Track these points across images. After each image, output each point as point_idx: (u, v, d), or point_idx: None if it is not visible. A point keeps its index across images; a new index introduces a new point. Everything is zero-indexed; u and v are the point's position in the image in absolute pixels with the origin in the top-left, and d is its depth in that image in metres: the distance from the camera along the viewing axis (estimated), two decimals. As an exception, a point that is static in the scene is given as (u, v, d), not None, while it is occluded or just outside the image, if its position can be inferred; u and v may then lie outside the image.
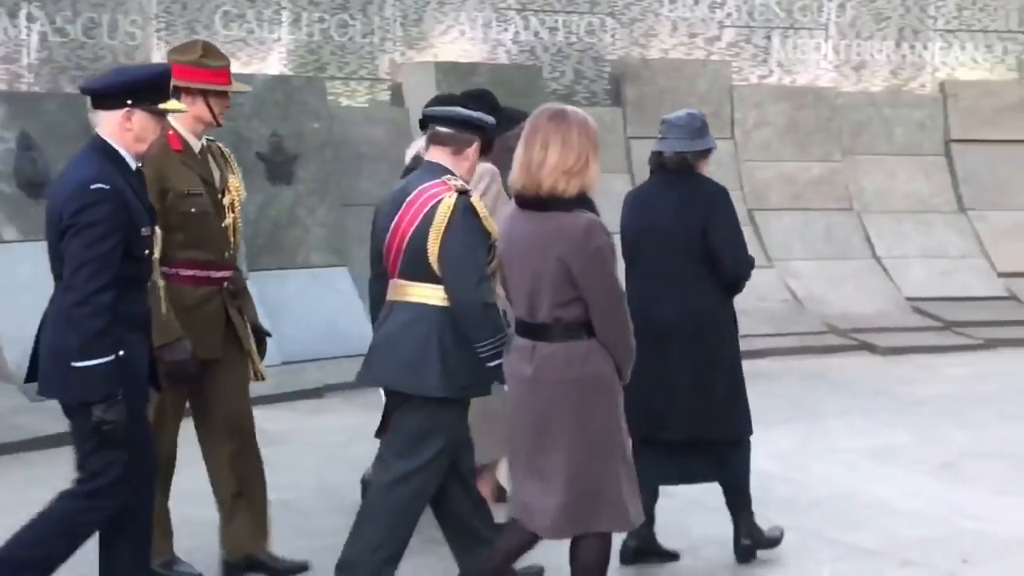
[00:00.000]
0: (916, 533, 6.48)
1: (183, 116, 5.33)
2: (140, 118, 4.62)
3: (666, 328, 5.67)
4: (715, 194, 5.87)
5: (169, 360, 5.18)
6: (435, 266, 4.91)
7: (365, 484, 6.19)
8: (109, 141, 4.63)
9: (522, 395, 4.70)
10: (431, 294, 4.96)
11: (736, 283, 5.84)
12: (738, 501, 5.91)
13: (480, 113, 5.21)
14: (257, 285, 10.14)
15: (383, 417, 5.08)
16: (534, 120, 4.68)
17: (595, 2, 12.77)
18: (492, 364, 4.86)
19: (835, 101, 13.18)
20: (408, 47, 12.05)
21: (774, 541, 6.05)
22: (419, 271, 4.96)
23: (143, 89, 4.62)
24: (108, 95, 4.62)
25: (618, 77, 12.71)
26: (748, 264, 5.85)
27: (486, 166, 5.95)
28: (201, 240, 5.42)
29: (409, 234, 4.96)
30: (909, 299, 12.16)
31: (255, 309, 5.67)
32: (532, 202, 4.63)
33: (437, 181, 4.98)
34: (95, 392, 4.47)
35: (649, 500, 5.66)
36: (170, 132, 5.37)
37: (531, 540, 4.83)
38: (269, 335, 5.70)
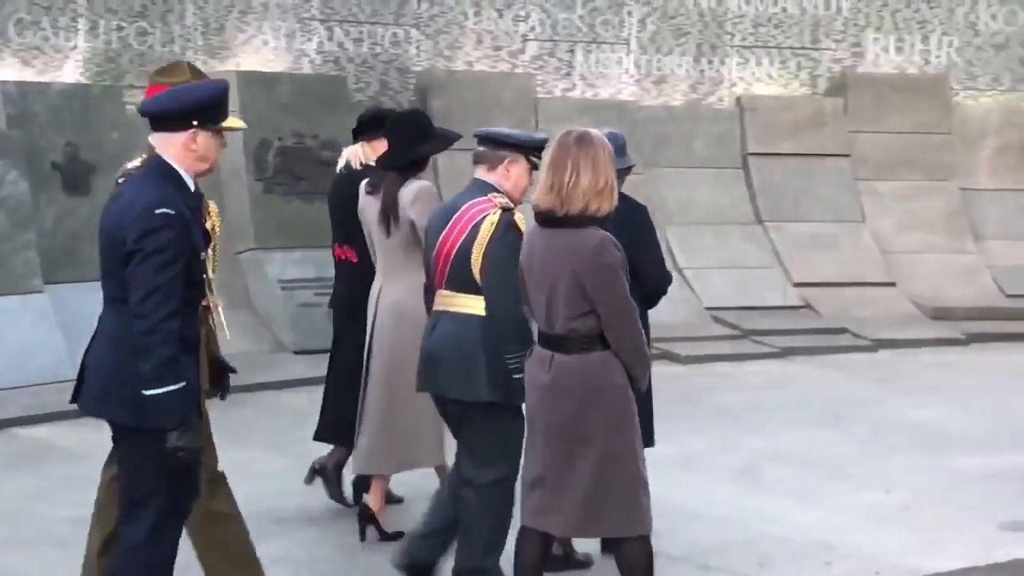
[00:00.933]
0: (716, 538, 6.59)
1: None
2: (204, 138, 4.58)
3: None
4: (639, 210, 6.13)
5: None
6: (478, 278, 5.24)
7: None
8: (171, 162, 4.57)
9: (541, 401, 4.91)
10: (476, 304, 5.27)
11: (657, 296, 6.05)
12: None
13: (519, 132, 5.56)
14: (54, 299, 9.89)
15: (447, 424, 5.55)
16: (562, 143, 4.84)
17: (400, 13, 12.75)
18: (517, 376, 5.11)
19: (637, 114, 13.38)
20: (210, 56, 11.87)
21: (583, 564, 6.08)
22: (464, 283, 5.29)
23: (208, 109, 4.58)
24: (173, 117, 4.56)
25: (423, 89, 12.70)
26: (668, 279, 6.12)
27: (424, 183, 6.25)
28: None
29: (456, 248, 5.30)
30: (709, 308, 12.39)
31: (217, 341, 5.18)
32: (559, 221, 4.81)
33: (483, 198, 5.30)
34: (170, 419, 4.41)
35: None
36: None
37: (549, 543, 5.07)
38: (234, 371, 5.24)
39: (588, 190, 4.78)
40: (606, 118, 13.14)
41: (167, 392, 4.39)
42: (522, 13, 13.27)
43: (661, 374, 10.58)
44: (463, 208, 5.32)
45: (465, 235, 5.28)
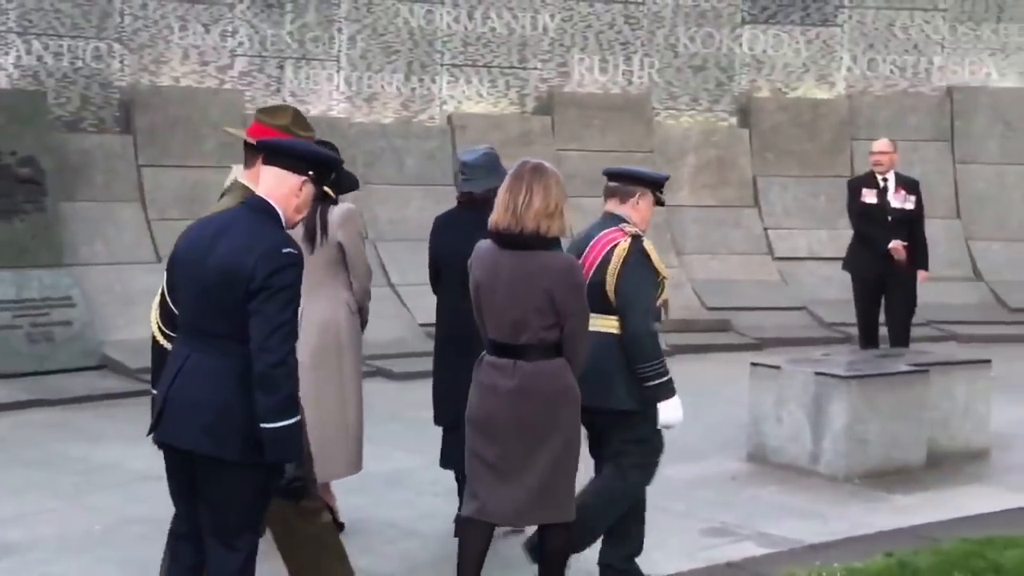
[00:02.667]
0: (429, 554, 6.58)
1: (256, 181, 5.00)
2: (308, 191, 4.73)
3: (473, 333, 5.89)
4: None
5: None
6: (612, 300, 5.80)
7: None
8: (273, 203, 4.70)
9: (503, 404, 5.41)
10: (611, 324, 5.83)
11: None
12: None
13: (647, 169, 6.33)
14: None
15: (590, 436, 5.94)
16: (517, 171, 5.40)
17: (102, 27, 12.40)
18: (648, 384, 5.80)
19: (348, 131, 13.33)
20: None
21: None
22: (600, 305, 5.76)
23: (324, 168, 4.78)
24: (294, 158, 4.71)
25: (128, 104, 12.38)
26: None
27: (351, 206, 6.85)
28: None
29: (591, 273, 5.78)
30: (423, 325, 12.40)
31: None
32: (514, 241, 5.35)
33: (614, 228, 5.88)
34: (291, 451, 4.55)
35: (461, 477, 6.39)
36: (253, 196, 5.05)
37: (490, 534, 5.59)
38: None
39: (540, 211, 5.31)
40: (317, 134, 13.07)
41: (290, 425, 4.53)
42: (229, 28, 13.07)
43: (376, 391, 10.59)
44: (597, 237, 5.90)
45: (599, 262, 5.83)
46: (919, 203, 10.64)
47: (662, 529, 7.12)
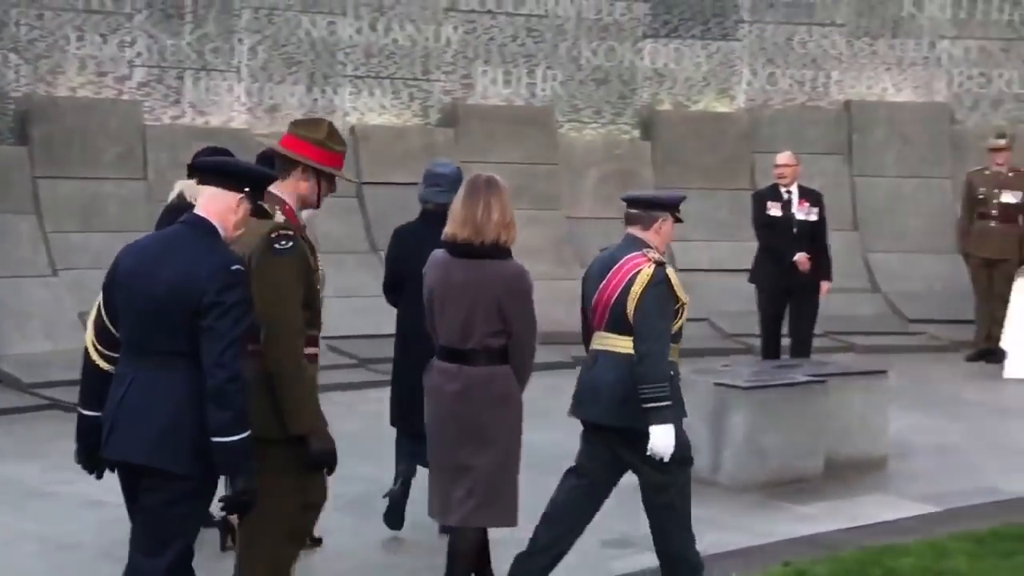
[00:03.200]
0: (334, 568, 6.53)
1: (290, 192, 5.24)
2: (245, 207, 4.84)
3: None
4: None
5: (323, 449, 5.08)
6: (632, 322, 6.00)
7: None
8: (213, 221, 4.80)
9: (447, 407, 5.69)
10: (631, 345, 6.01)
11: None
12: None
13: (665, 193, 6.76)
14: None
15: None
16: (472, 185, 5.75)
17: (-3, 36, 12.21)
18: (645, 405, 5.87)
19: (250, 143, 13.19)
20: None
21: None
22: (621, 326, 6.05)
23: (258, 183, 4.89)
24: (230, 177, 4.83)
25: (23, 115, 12.19)
26: None
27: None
28: (316, 317, 5.32)
29: (615, 296, 6.05)
30: (325, 338, 12.30)
31: None
32: (472, 251, 5.65)
33: (638, 253, 6.10)
34: (243, 465, 4.65)
35: (408, 473, 7.30)
36: (286, 206, 5.22)
37: (477, 535, 5.95)
38: None
39: (498, 223, 5.67)
40: (221, 145, 12.96)
41: (243, 438, 4.63)
42: (128, 38, 12.92)
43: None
44: (621, 261, 6.12)
45: (623, 285, 6.05)
46: (822, 214, 10.79)
47: (564, 541, 7.12)
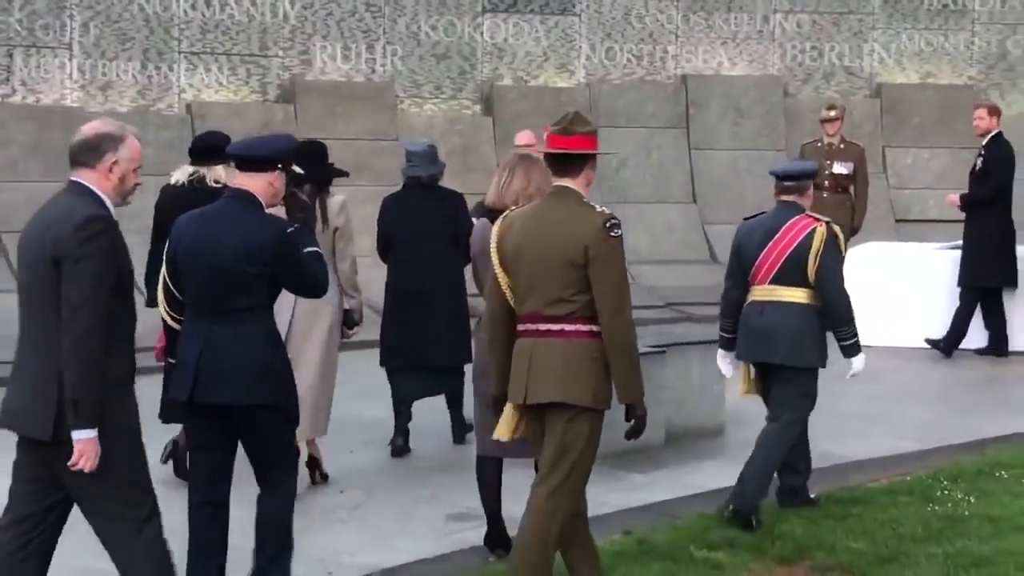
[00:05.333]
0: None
1: (583, 185, 5.56)
2: (281, 179, 5.70)
3: (432, 290, 8.40)
4: (459, 197, 8.71)
5: (644, 414, 5.54)
6: (811, 276, 6.86)
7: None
8: (256, 194, 5.63)
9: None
10: (801, 295, 6.90)
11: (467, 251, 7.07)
12: (457, 401, 8.56)
13: (808, 163, 7.81)
14: None
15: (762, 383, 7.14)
16: (512, 159, 6.35)
17: None
18: (845, 343, 6.96)
19: (82, 121, 12.88)
20: None
21: None
22: (793, 278, 6.88)
23: (286, 159, 5.73)
24: (260, 160, 5.63)
25: None
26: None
27: (343, 197, 7.83)
28: None
29: (789, 252, 6.88)
30: (164, 318, 12.17)
31: None
32: (496, 215, 5.92)
33: (802, 215, 6.98)
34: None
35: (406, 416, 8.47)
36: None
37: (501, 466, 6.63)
38: None
39: (518, 191, 6.11)
40: (49, 124, 12.68)
41: None
42: (-46, 14, 12.56)
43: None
44: (788, 223, 6.94)
45: (797, 243, 6.87)
46: None
47: (408, 515, 7.15)
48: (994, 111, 11.79)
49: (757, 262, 6.99)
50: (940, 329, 11.37)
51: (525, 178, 6.17)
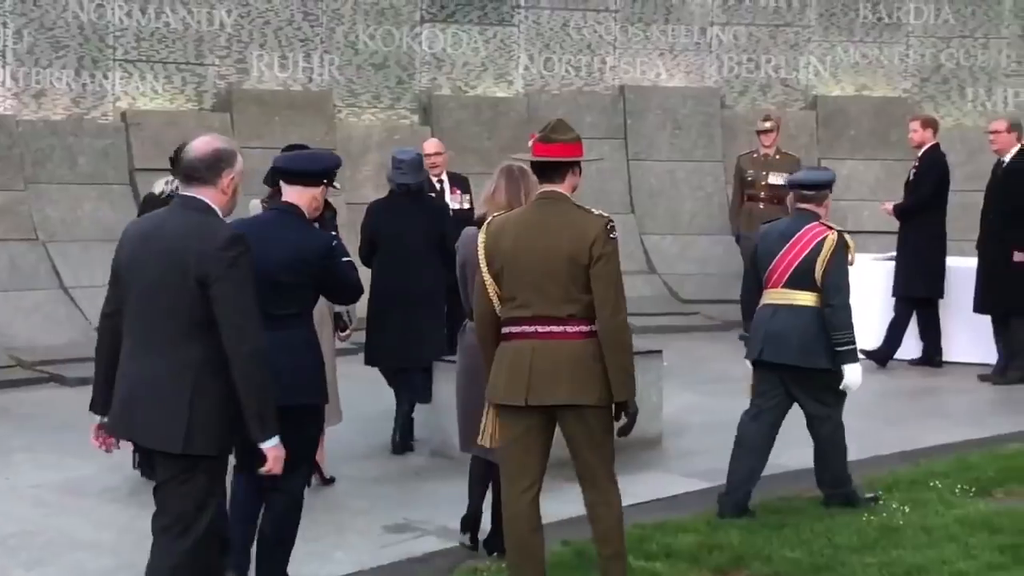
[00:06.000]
0: (100, 564, 6.39)
1: (569, 187, 5.77)
2: (322, 193, 6.11)
3: (417, 294, 8.75)
4: (444, 205, 9.55)
5: (636, 411, 5.80)
6: (819, 281, 7.17)
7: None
8: (302, 208, 6.01)
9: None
10: (811, 299, 7.22)
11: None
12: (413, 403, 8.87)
13: (829, 173, 7.95)
14: None
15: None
16: (511, 173, 6.46)
17: None
18: (840, 349, 7.12)
19: (15, 129, 12.82)
20: None
21: None
22: (804, 283, 7.21)
23: (331, 174, 6.15)
24: (310, 175, 6.05)
25: None
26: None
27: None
28: None
29: (801, 258, 7.21)
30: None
31: None
32: None
33: (816, 223, 7.31)
34: None
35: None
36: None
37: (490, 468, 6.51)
38: None
39: (515, 198, 6.29)
40: (-18, 133, 12.53)
41: None
42: None
43: (50, 399, 10.25)
44: (803, 230, 7.27)
45: (809, 249, 7.21)
46: (471, 201, 10.85)
47: (345, 527, 7.13)
48: (928, 123, 11.94)
49: (771, 266, 7.33)
50: (876, 340, 11.47)
51: (518, 186, 6.39)
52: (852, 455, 8.36)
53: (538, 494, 5.77)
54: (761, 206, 12.99)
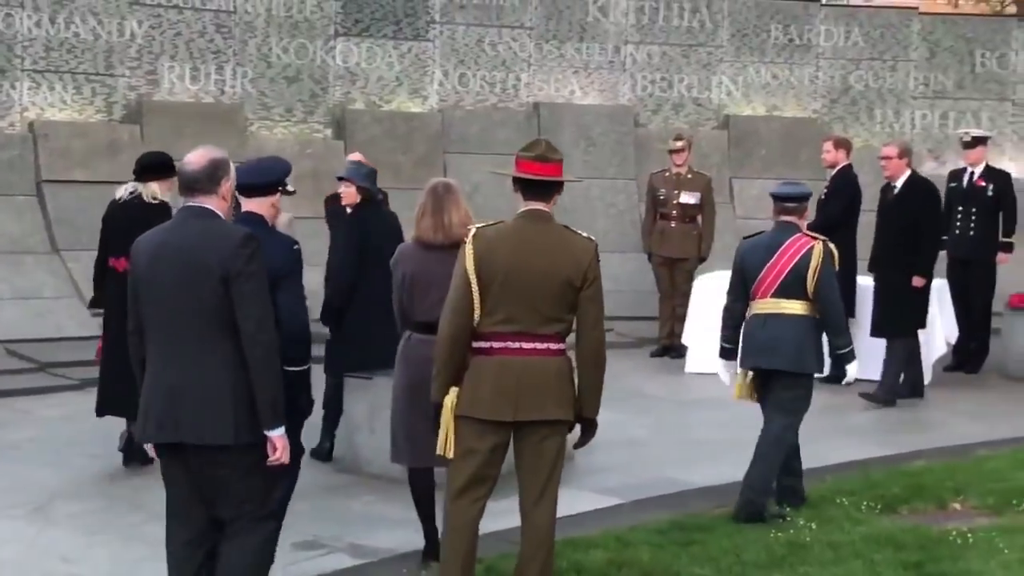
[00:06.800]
0: (5, 581, 6.30)
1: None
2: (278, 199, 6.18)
3: (383, 303, 7.76)
4: (395, 217, 9.12)
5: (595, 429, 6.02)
6: (810, 290, 7.53)
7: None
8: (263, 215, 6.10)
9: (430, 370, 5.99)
10: (801, 308, 7.58)
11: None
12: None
13: (807, 187, 8.08)
14: None
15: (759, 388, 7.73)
16: (436, 192, 6.82)
17: None
18: (840, 352, 7.68)
19: (-81, 138, 12.62)
20: None
21: None
22: (793, 292, 7.56)
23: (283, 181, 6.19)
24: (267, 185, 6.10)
25: None
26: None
27: (290, 214, 8.91)
28: None
29: (789, 268, 7.56)
30: (3, 341, 11.88)
31: None
32: (442, 247, 6.60)
33: (800, 234, 7.67)
34: None
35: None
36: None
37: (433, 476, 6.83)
38: None
39: (459, 224, 6.59)
40: None
41: None
42: None
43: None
44: (788, 241, 7.61)
45: (797, 259, 7.55)
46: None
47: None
48: (841, 144, 12.13)
49: (759, 277, 7.63)
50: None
51: (460, 210, 6.75)
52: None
53: (484, 506, 5.92)
54: (673, 224, 13.09)
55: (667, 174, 13.25)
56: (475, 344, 5.76)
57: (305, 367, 5.95)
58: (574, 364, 5.83)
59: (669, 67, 15.88)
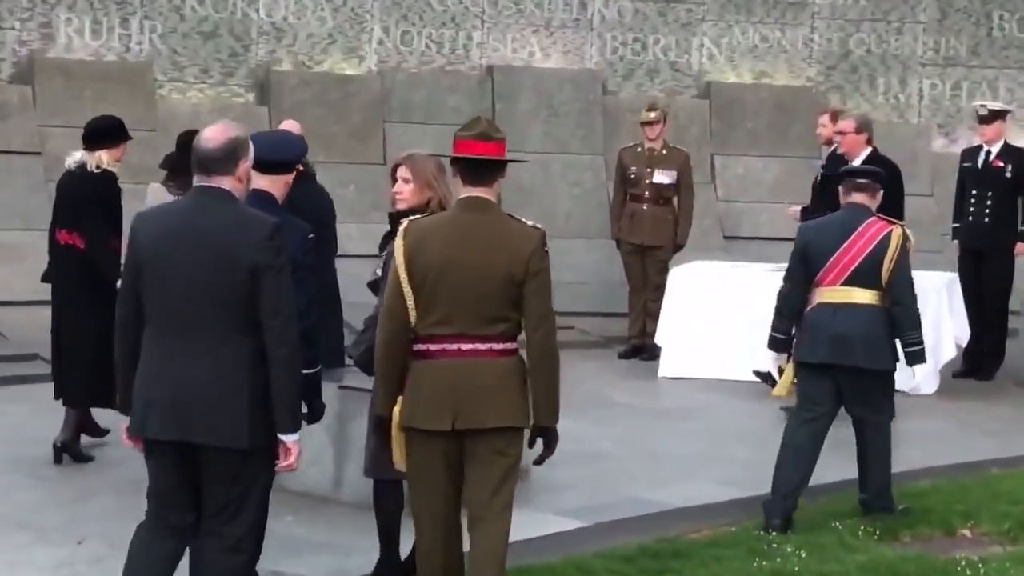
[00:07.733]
0: None
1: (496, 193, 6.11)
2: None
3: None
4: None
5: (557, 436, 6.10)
6: (885, 279, 7.84)
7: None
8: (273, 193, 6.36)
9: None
10: (872, 298, 7.87)
11: None
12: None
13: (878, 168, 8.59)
14: None
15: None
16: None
17: None
18: (911, 349, 7.97)
19: None
20: None
21: None
22: (868, 280, 7.83)
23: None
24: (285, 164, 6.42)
25: None
26: None
27: None
28: None
29: (864, 254, 7.81)
30: None
31: None
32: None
33: (875, 218, 7.97)
34: None
35: None
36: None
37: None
38: None
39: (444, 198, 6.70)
40: None
41: None
42: None
43: None
44: (863, 226, 7.89)
45: (873, 245, 7.83)
46: None
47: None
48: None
49: (828, 263, 7.89)
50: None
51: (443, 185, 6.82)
52: (748, 491, 8.48)
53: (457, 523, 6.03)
54: (645, 207, 13.08)
55: (639, 149, 13.25)
56: (414, 347, 5.81)
57: (318, 368, 6.14)
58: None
59: (643, 26, 15.87)
